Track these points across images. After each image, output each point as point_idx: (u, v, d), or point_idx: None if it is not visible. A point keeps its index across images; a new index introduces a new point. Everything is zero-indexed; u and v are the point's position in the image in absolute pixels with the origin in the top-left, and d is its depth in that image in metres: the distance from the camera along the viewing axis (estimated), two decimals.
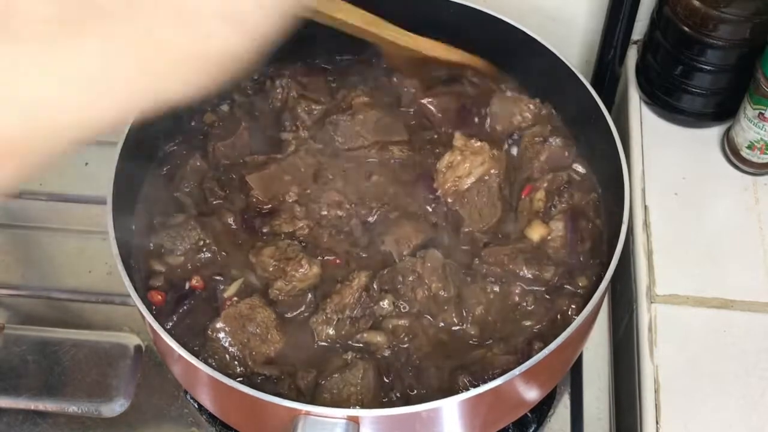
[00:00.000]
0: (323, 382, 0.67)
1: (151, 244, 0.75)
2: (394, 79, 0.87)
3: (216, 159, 0.81)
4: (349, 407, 0.65)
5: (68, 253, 0.92)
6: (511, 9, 0.84)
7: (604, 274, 0.66)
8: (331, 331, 0.70)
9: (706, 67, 0.84)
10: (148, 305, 0.69)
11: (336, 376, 0.67)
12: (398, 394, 0.68)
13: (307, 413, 0.58)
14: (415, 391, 0.68)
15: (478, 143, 0.77)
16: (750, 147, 0.84)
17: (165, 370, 0.73)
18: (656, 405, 0.73)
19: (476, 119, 0.84)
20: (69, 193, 0.96)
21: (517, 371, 0.60)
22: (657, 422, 0.72)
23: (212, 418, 0.79)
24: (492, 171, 0.76)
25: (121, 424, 0.80)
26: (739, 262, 0.81)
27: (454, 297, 0.72)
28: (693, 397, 0.73)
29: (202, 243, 0.74)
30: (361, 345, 0.70)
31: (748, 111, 0.82)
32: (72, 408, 0.81)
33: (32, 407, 0.81)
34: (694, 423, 0.72)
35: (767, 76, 0.78)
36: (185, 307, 0.71)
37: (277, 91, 0.86)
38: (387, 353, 0.70)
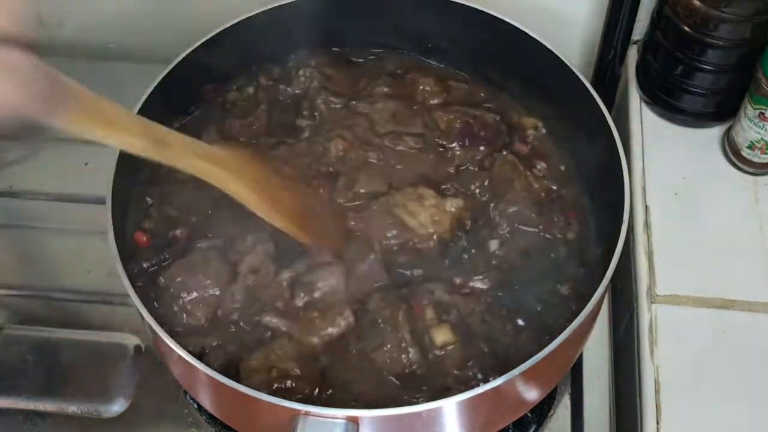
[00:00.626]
0: (252, 353, 0.68)
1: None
2: (409, 76, 0.88)
3: (231, 135, 0.83)
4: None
5: (67, 253, 0.92)
6: (511, 9, 0.84)
7: (604, 275, 0.66)
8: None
9: (706, 67, 0.84)
10: (148, 303, 0.69)
11: (261, 348, 0.69)
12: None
13: (307, 413, 0.58)
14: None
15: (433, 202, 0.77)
16: (750, 147, 0.84)
17: (165, 370, 0.72)
18: (657, 405, 0.72)
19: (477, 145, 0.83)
20: (68, 192, 0.95)
21: (517, 371, 0.59)
22: (657, 422, 0.71)
23: (212, 418, 0.79)
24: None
25: (120, 424, 0.80)
26: (740, 262, 0.81)
27: None
28: (693, 397, 0.73)
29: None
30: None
31: (749, 111, 0.82)
32: (71, 408, 0.81)
33: (32, 407, 0.81)
34: (695, 423, 0.72)
35: (767, 76, 0.78)
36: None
37: (301, 79, 0.88)
38: None
